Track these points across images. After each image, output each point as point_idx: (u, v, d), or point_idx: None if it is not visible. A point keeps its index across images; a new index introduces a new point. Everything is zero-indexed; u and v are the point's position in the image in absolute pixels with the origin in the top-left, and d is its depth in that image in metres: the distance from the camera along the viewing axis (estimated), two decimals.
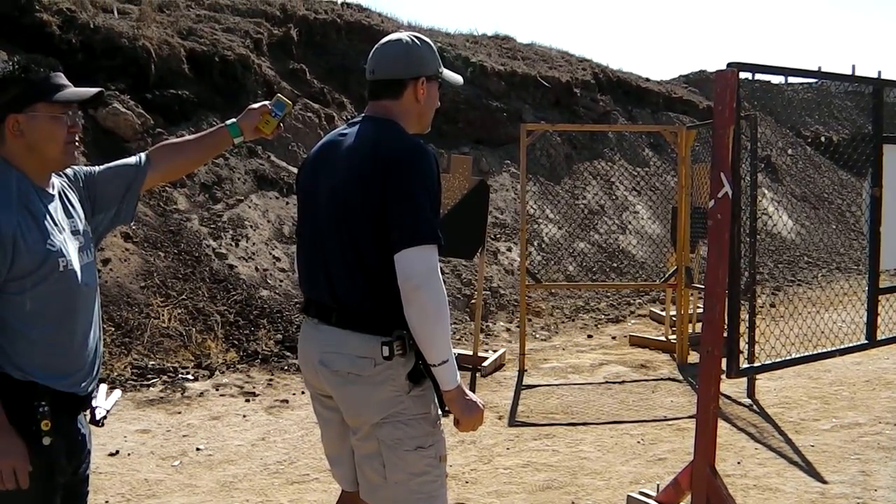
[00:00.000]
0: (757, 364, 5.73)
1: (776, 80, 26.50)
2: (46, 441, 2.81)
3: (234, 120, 3.51)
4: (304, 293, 3.44)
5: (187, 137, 3.55)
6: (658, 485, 5.45)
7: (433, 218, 3.08)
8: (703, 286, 5.25)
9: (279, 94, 3.67)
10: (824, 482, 6.04)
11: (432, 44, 3.45)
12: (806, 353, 5.77)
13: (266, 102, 3.57)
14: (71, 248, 2.91)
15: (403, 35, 3.42)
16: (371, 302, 3.16)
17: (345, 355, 3.18)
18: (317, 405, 3.50)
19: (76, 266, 2.91)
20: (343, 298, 3.19)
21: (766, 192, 18.40)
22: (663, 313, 10.97)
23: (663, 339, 10.36)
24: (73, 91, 2.94)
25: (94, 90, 3.05)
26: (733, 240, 4.92)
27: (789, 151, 21.88)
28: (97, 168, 3.20)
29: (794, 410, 7.75)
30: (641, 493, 5.48)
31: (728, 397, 7.99)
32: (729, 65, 4.87)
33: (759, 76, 5.51)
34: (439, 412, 3.26)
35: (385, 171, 3.09)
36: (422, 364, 3.14)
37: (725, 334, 4.99)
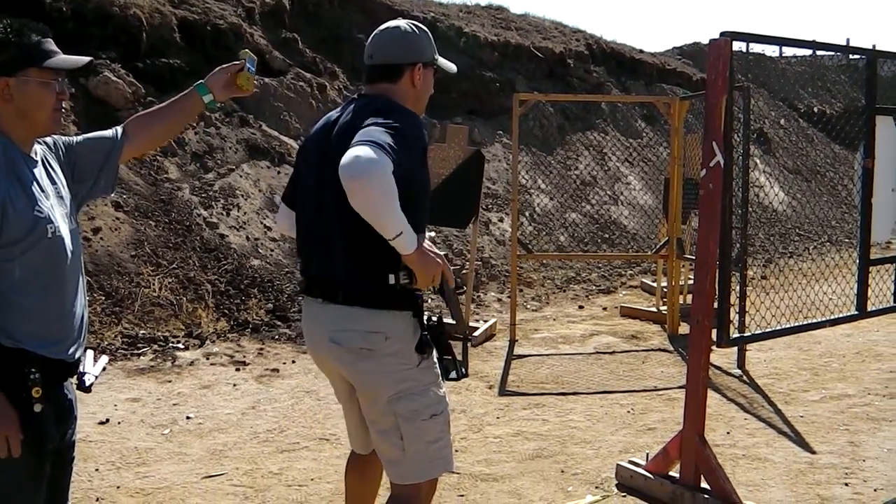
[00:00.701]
0: (747, 334, 5.74)
1: (770, 52, 26.52)
2: (38, 408, 2.79)
3: (201, 81, 3.46)
4: (304, 273, 3.52)
5: (159, 107, 3.49)
6: (647, 454, 5.46)
7: (393, 145, 3.03)
8: (694, 257, 5.25)
9: (245, 49, 3.63)
10: (813, 452, 6.06)
11: (428, 31, 3.56)
12: (796, 324, 5.78)
13: (234, 63, 3.51)
14: (57, 214, 2.89)
15: (402, 22, 3.52)
16: (377, 277, 3.23)
17: (356, 332, 3.26)
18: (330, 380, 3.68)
19: (63, 232, 2.89)
20: (349, 276, 3.26)
21: (758, 163, 18.39)
22: (654, 284, 10.98)
23: (654, 310, 10.37)
24: (64, 58, 2.93)
25: (85, 59, 3.04)
26: (725, 210, 4.91)
27: (782, 123, 21.87)
28: (75, 138, 3.18)
29: (784, 381, 7.78)
30: (631, 462, 5.51)
31: (718, 368, 8.02)
32: (722, 34, 4.86)
33: (753, 49, 5.49)
34: (440, 379, 3.41)
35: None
36: (426, 334, 3.27)
37: (716, 305, 5.01)
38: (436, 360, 3.40)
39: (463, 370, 3.45)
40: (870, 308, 6.10)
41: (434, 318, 3.39)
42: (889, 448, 6.15)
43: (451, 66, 3.69)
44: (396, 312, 3.26)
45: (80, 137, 3.20)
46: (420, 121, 3.35)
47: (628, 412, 6.91)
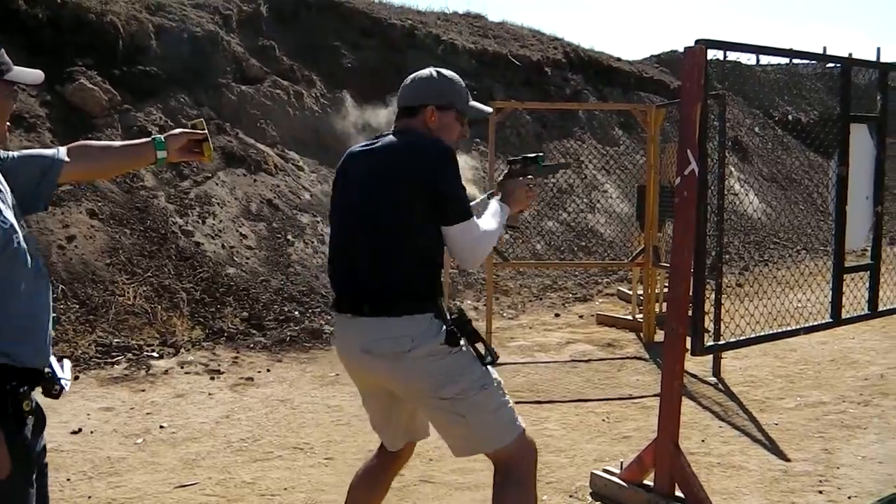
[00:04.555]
0: (721, 342, 5.74)
1: (746, 60, 26.62)
2: (30, 422, 2.78)
3: (162, 137, 3.45)
4: (335, 289, 3.80)
5: (112, 144, 3.46)
6: (622, 462, 5.45)
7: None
8: (669, 265, 5.26)
9: (201, 119, 3.66)
10: (787, 460, 6.07)
11: (456, 80, 3.88)
12: (771, 332, 5.79)
13: (199, 131, 3.52)
14: (16, 223, 2.85)
15: (429, 70, 3.89)
16: (397, 290, 3.56)
17: (386, 339, 3.54)
18: (361, 389, 3.93)
19: (24, 241, 2.86)
20: (374, 291, 3.58)
21: (734, 171, 18.45)
22: (631, 292, 10.98)
23: (630, 317, 10.38)
24: (26, 71, 2.90)
25: (41, 75, 3.01)
26: (699, 217, 4.92)
27: (758, 131, 21.94)
28: (12, 152, 3.14)
29: (760, 389, 7.79)
30: (605, 471, 5.50)
31: (694, 376, 8.03)
32: (697, 42, 4.86)
33: (730, 57, 5.50)
34: (492, 356, 3.64)
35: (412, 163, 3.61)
36: (454, 327, 3.53)
37: (690, 313, 5.01)
38: (466, 347, 3.60)
39: (491, 352, 3.62)
40: (844, 315, 6.12)
41: (455, 311, 3.64)
42: (863, 455, 6.17)
43: (483, 110, 4.05)
44: (418, 316, 3.52)
45: (17, 153, 3.16)
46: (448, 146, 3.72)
47: (603, 420, 6.91)
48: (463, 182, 3.61)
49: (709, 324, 6.02)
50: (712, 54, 5.00)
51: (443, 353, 3.52)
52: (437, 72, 3.87)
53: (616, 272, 12.93)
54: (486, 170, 10.80)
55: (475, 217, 3.63)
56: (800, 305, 6.65)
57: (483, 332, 9.34)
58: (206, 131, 3.54)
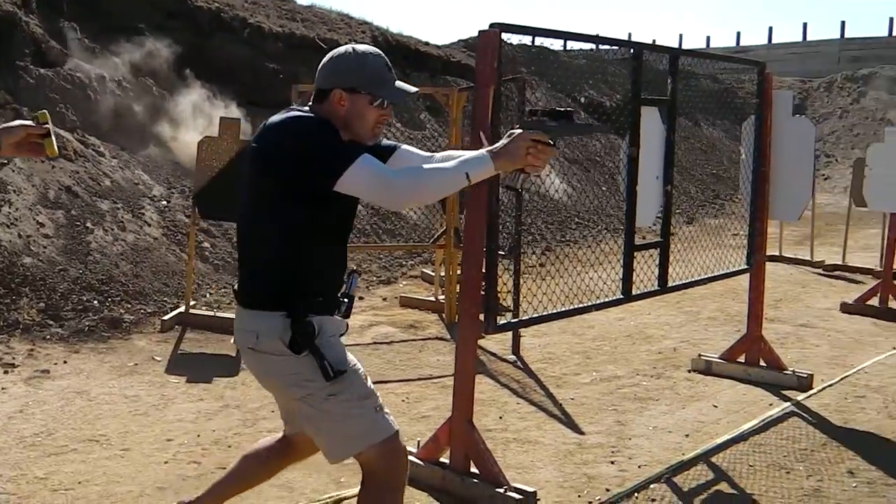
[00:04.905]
0: (514, 320, 5.84)
1: (554, 46, 27.11)
2: None
3: None
4: None
5: None
6: (419, 441, 5.50)
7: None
8: None
9: (44, 111, 3.50)
10: (581, 433, 6.24)
11: (369, 59, 3.61)
12: (562, 309, 5.91)
13: (30, 123, 3.40)
14: None
15: (345, 47, 3.66)
16: (256, 281, 3.55)
17: (240, 330, 3.57)
18: None
19: None
20: (242, 281, 3.62)
21: None
22: (434, 274, 11.07)
23: (433, 299, 10.46)
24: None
25: None
26: (491, 199, 4.98)
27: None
28: None
29: (557, 366, 7.97)
30: None
31: (494, 354, 8.16)
32: (491, 25, 4.94)
33: (539, 42, 5.58)
34: (330, 373, 3.44)
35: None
36: (299, 337, 3.41)
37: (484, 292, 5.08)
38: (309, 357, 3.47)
39: (330, 369, 3.42)
40: (635, 292, 6.31)
41: (306, 323, 3.43)
42: (654, 426, 6.40)
43: (406, 90, 3.74)
44: (265, 313, 3.45)
45: None
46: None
47: (403, 401, 6.95)
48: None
49: (510, 303, 6.12)
50: (522, 40, 5.06)
51: (287, 354, 3.44)
52: (353, 49, 3.63)
53: (420, 254, 13.00)
54: None
55: (368, 162, 3.36)
56: (599, 282, 6.82)
57: None
58: (49, 125, 3.40)
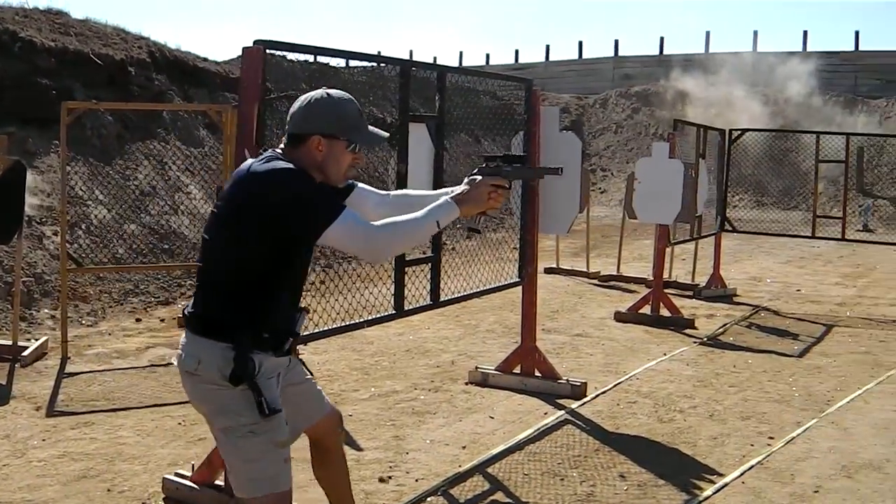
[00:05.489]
0: None
1: (334, 63, 27.12)
2: None
3: None
4: None
5: None
6: (193, 464, 5.41)
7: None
8: None
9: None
10: (359, 449, 6.27)
11: (347, 106, 3.73)
12: (334, 326, 5.93)
13: None
14: None
15: (320, 92, 3.74)
16: (205, 309, 3.60)
17: (187, 355, 3.59)
18: None
19: None
20: (193, 303, 3.68)
21: None
22: None
23: None
24: None
25: None
26: None
27: None
28: None
29: (337, 382, 7.97)
30: (177, 475, 5.46)
31: None
32: (255, 42, 4.93)
33: (320, 59, 5.59)
34: (266, 409, 3.52)
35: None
36: (240, 371, 3.45)
37: None
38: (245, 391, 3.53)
39: (266, 407, 3.50)
40: (409, 307, 6.37)
41: (251, 363, 3.48)
42: (431, 439, 6.46)
43: (378, 136, 3.87)
44: (210, 342, 3.51)
45: None
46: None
47: (179, 424, 6.82)
48: (317, 191, 3.54)
49: None
50: (301, 57, 5.04)
51: (224, 385, 3.49)
52: (328, 94, 3.72)
53: None
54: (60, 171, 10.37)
55: (351, 218, 3.49)
56: (375, 299, 6.85)
57: (59, 341, 8.98)
58: None
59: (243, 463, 3.60)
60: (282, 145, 3.71)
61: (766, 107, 34.56)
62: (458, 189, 3.83)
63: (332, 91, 3.76)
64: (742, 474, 6.00)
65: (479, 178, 3.83)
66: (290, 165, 3.54)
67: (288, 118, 3.73)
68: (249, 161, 3.68)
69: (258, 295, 3.54)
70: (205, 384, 3.55)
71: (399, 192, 4.34)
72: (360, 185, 4.12)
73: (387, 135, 3.92)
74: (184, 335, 3.66)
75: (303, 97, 3.73)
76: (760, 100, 35.30)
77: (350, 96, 3.78)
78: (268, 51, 5.10)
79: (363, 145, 3.78)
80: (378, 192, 4.18)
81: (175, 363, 3.73)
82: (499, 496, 5.52)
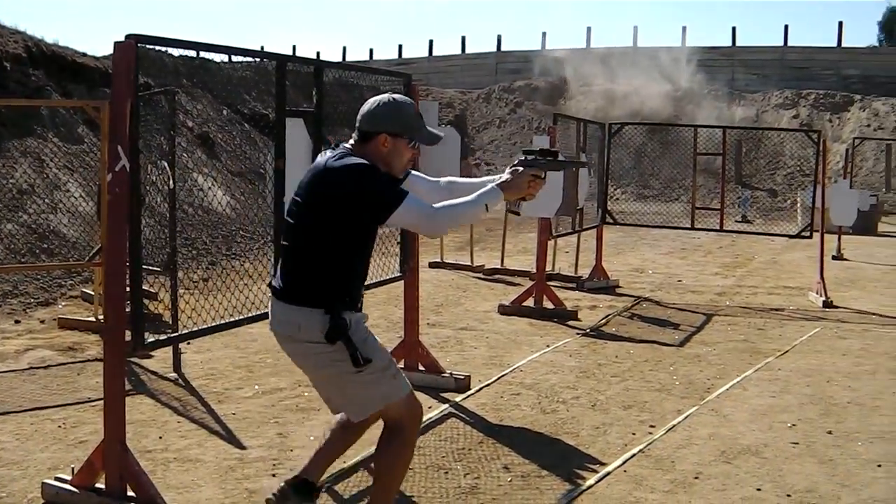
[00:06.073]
0: (164, 337, 5.73)
1: (217, 58, 26.90)
2: None
3: None
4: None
5: None
6: (73, 468, 5.33)
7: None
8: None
9: None
10: (243, 448, 6.24)
11: (409, 108, 4.48)
12: (213, 324, 5.89)
13: None
14: None
15: (387, 97, 4.45)
16: (299, 282, 4.32)
17: (282, 321, 4.36)
18: None
19: None
20: (282, 278, 4.38)
21: (203, 168, 18.57)
22: (94, 293, 10.72)
23: (94, 319, 10.12)
24: None
25: None
26: (133, 214, 4.89)
27: (227, 127, 22.15)
28: None
29: (220, 381, 7.91)
30: (57, 479, 5.35)
31: (155, 373, 8.00)
32: (127, 37, 4.85)
33: (203, 54, 5.55)
34: (360, 361, 4.27)
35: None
36: (334, 330, 4.20)
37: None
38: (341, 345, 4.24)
39: (360, 359, 4.23)
40: None
41: (343, 319, 4.24)
42: (315, 436, 6.43)
43: (436, 135, 4.65)
44: (306, 309, 4.24)
45: None
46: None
47: (60, 427, 6.69)
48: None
49: (169, 318, 6.00)
50: (180, 52, 5.00)
51: (323, 343, 4.21)
52: (393, 99, 4.43)
53: (80, 273, 12.52)
54: None
55: (414, 202, 4.21)
56: (258, 296, 6.81)
57: None
58: None
59: (362, 390, 4.37)
60: (351, 141, 4.39)
61: (646, 100, 35.13)
62: (503, 177, 4.54)
63: (396, 96, 4.48)
64: (624, 463, 6.13)
65: (521, 168, 4.52)
66: (361, 160, 4.23)
67: (358, 118, 4.39)
68: (326, 156, 4.35)
69: (342, 267, 4.30)
70: (307, 344, 4.28)
71: (447, 178, 5.04)
72: (414, 172, 4.87)
73: (443, 134, 4.71)
74: (274, 306, 4.39)
75: (371, 100, 4.41)
76: (641, 93, 35.88)
77: (410, 100, 4.57)
78: (147, 46, 5.04)
79: (424, 143, 4.60)
80: (429, 178, 4.95)
81: (271, 330, 4.44)
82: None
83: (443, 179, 5.00)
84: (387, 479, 4.59)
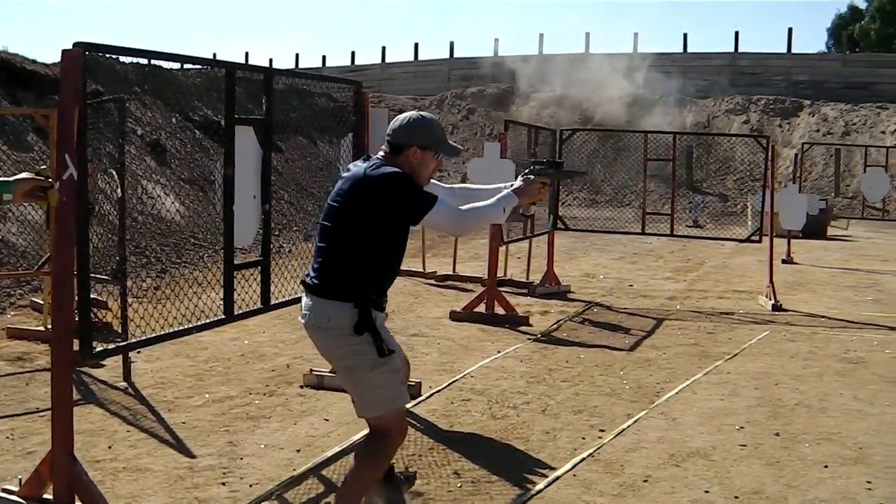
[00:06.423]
0: (112, 346, 5.70)
1: (168, 65, 26.73)
2: None
3: (9, 179, 4.21)
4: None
5: None
6: (20, 479, 5.28)
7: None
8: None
9: (46, 167, 4.12)
10: (193, 457, 6.20)
11: (437, 124, 5.00)
12: (161, 333, 5.87)
13: (46, 178, 4.60)
14: None
15: (416, 113, 4.94)
16: (330, 277, 4.68)
17: (313, 313, 4.69)
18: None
19: None
20: (315, 274, 4.74)
21: (153, 175, 18.46)
22: (43, 302, 10.62)
23: (43, 328, 10.03)
24: None
25: None
26: (81, 223, 4.87)
27: (178, 134, 22.03)
28: None
29: (170, 390, 7.85)
30: (4, 490, 5.29)
31: (104, 382, 7.93)
32: (75, 44, 4.83)
33: (154, 61, 5.60)
34: (385, 350, 4.62)
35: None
36: (363, 322, 4.56)
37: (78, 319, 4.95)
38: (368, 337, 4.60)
39: (385, 349, 4.59)
40: (237, 311, 6.35)
41: (368, 312, 4.60)
42: (265, 444, 6.45)
43: (457, 149, 5.23)
44: (337, 302, 4.59)
45: None
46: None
47: (8, 438, 6.62)
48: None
49: (118, 327, 5.96)
50: (132, 59, 4.99)
51: (350, 333, 4.56)
52: (422, 116, 4.91)
53: (29, 282, 12.40)
54: None
55: (444, 205, 4.70)
56: (208, 304, 6.80)
57: None
58: (51, 179, 4.37)
59: (371, 390, 4.67)
60: (381, 153, 4.84)
61: (598, 106, 35.30)
62: (516, 184, 5.12)
63: (424, 113, 4.99)
64: (574, 467, 6.17)
65: (532, 177, 5.13)
66: (397, 169, 4.66)
67: (388, 132, 4.87)
68: (362, 165, 4.74)
69: (378, 265, 4.69)
70: (334, 334, 4.62)
71: (462, 185, 5.71)
72: (432, 180, 5.19)
73: (462, 148, 5.04)
74: (307, 299, 4.73)
75: (401, 116, 4.92)
76: (593, 99, 36.07)
77: (434, 117, 5.04)
78: (98, 53, 5.04)
79: (447, 155, 5.07)
80: (444, 185, 5.38)
81: (302, 321, 4.76)
82: (332, 498, 5.50)
83: (456, 186, 5.62)
84: (361, 471, 4.78)
